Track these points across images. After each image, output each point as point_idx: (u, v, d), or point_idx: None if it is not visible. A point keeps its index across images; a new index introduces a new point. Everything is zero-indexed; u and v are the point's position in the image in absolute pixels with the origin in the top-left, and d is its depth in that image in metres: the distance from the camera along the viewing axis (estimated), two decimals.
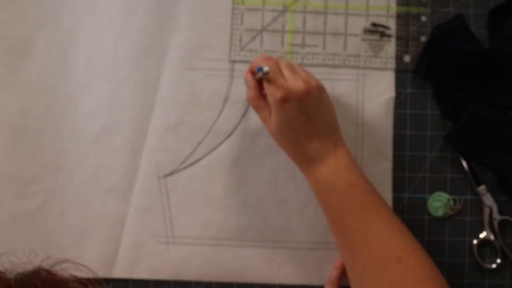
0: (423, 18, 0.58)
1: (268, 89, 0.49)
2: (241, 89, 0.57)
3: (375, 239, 0.46)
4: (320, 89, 0.50)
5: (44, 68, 0.57)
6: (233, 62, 0.58)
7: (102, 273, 0.56)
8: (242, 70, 0.57)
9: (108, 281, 0.56)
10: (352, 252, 0.48)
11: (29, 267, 0.39)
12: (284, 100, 0.47)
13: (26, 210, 0.56)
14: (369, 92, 0.57)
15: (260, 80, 0.50)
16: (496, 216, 0.56)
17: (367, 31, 0.58)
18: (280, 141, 0.51)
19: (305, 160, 0.50)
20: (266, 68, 0.48)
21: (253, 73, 0.51)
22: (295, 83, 0.48)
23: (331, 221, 0.50)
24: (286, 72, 0.49)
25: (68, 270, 0.40)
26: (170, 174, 0.57)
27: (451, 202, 0.56)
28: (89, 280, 0.40)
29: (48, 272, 0.39)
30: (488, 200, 0.56)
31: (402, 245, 0.46)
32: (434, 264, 0.47)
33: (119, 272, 0.56)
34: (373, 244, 0.46)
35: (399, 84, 0.57)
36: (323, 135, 0.49)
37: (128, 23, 0.57)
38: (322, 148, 0.49)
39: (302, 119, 0.48)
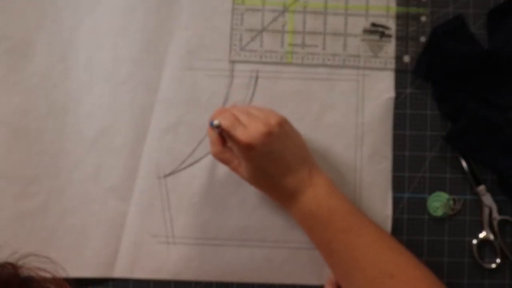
0: (423, 19, 0.58)
1: (230, 141, 0.49)
2: (241, 90, 0.57)
3: (364, 259, 0.47)
4: (281, 124, 0.49)
5: (44, 68, 0.57)
6: (233, 62, 0.58)
7: (102, 272, 0.56)
8: (242, 70, 0.57)
9: (108, 280, 0.56)
10: (344, 274, 0.48)
11: None
12: (248, 148, 0.47)
13: (27, 210, 0.56)
14: (368, 92, 0.57)
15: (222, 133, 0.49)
16: (496, 216, 0.56)
17: (366, 31, 0.58)
18: (256, 185, 0.51)
19: (284, 196, 0.50)
20: (215, 122, 0.47)
21: None
22: (255, 128, 0.47)
23: (318, 247, 0.50)
24: (243, 119, 0.48)
25: (33, 263, 0.40)
26: (170, 174, 0.57)
27: (451, 202, 0.56)
28: (53, 276, 0.41)
29: (14, 266, 0.39)
30: (488, 200, 0.56)
31: (393, 260, 0.47)
32: (432, 274, 0.47)
33: (120, 271, 0.56)
34: (364, 264, 0.46)
35: (399, 84, 0.58)
36: (296, 168, 0.49)
37: (128, 23, 0.57)
38: (298, 181, 0.49)
39: (271, 160, 0.48)
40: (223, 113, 0.49)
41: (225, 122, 0.47)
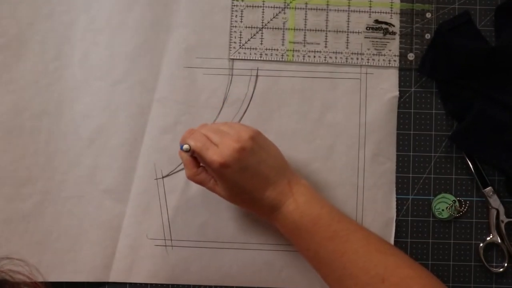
0: (428, 15, 0.57)
1: (204, 162, 0.49)
2: (241, 88, 0.57)
3: (354, 265, 0.46)
4: (253, 138, 0.48)
5: (39, 66, 0.56)
6: (233, 60, 0.57)
7: (98, 276, 0.55)
8: (242, 68, 0.57)
9: (104, 284, 0.56)
10: (335, 283, 0.48)
11: None
12: (223, 167, 0.47)
13: (20, 212, 0.56)
14: (372, 91, 0.57)
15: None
16: (503, 218, 0.55)
17: (370, 28, 0.57)
18: (235, 203, 0.51)
19: (266, 210, 0.50)
20: (185, 146, 0.47)
21: None
22: (227, 146, 0.47)
23: (307, 257, 0.50)
24: (214, 137, 0.48)
25: (6, 266, 0.40)
26: (168, 175, 0.56)
27: (457, 204, 0.56)
28: (29, 279, 0.40)
29: None
30: (495, 202, 0.55)
31: (382, 264, 0.46)
32: (428, 273, 0.47)
33: (116, 275, 0.56)
34: (354, 271, 0.46)
35: (403, 83, 0.57)
36: (274, 180, 0.49)
37: (125, 20, 0.57)
38: (278, 193, 0.49)
39: (247, 175, 0.48)
40: (193, 134, 0.49)
41: (196, 144, 0.47)
